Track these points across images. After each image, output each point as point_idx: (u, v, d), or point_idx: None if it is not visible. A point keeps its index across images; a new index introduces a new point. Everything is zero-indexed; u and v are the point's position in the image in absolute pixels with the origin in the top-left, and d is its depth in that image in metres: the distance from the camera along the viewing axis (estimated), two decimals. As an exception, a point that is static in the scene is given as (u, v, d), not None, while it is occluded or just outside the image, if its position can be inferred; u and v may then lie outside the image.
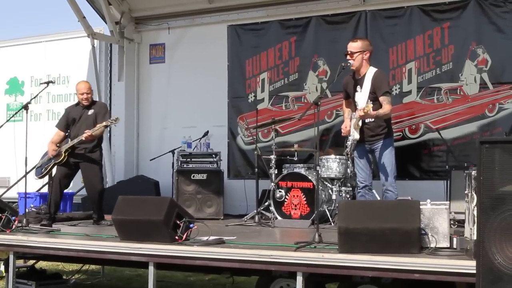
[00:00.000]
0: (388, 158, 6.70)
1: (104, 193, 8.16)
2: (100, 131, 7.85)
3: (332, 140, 9.42)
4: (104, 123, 7.77)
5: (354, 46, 6.77)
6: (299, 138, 9.70)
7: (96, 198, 8.02)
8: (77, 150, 7.90)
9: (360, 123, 6.62)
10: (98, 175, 8.05)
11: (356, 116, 6.59)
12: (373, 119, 6.65)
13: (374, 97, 6.62)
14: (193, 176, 9.19)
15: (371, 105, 6.41)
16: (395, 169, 6.74)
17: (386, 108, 6.60)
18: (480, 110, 8.73)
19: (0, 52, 12.42)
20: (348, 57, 6.73)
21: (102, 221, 7.97)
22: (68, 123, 8.09)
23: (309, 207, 7.82)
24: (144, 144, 11.17)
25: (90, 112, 8.00)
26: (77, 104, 8.17)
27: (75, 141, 7.80)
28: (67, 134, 8.09)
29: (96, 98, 10.44)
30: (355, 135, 6.62)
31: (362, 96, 6.72)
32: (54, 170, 8.06)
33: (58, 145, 8.00)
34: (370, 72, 6.76)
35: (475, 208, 4.58)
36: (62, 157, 7.85)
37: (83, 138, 7.70)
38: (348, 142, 6.77)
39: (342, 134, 6.97)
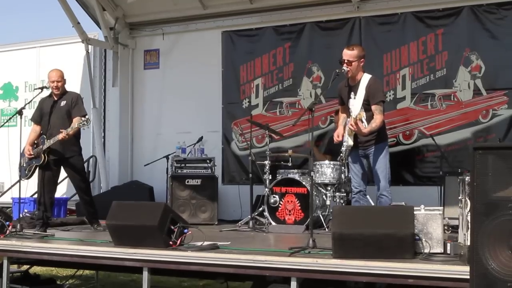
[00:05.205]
0: (382, 163, 6.66)
1: (89, 188, 8.11)
2: (76, 129, 7.60)
3: (326, 146, 9.42)
4: (76, 126, 7.51)
5: (351, 54, 6.65)
6: (293, 144, 9.71)
7: (83, 195, 7.97)
8: (54, 146, 7.67)
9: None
10: (80, 172, 7.94)
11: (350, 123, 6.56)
12: (365, 124, 6.60)
13: (367, 105, 6.59)
14: (188, 182, 9.18)
15: (363, 113, 6.39)
16: (389, 174, 6.69)
17: (377, 119, 6.53)
18: (474, 116, 8.76)
19: (-6, 57, 12.40)
20: (345, 65, 6.64)
21: (95, 224, 7.92)
22: (42, 115, 7.92)
23: (303, 212, 7.83)
24: (138, 150, 11.17)
25: (62, 103, 7.82)
26: (50, 95, 7.97)
27: (51, 141, 7.60)
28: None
29: (90, 104, 10.49)
30: (349, 141, 6.58)
31: (356, 103, 6.64)
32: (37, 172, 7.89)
33: (36, 142, 7.83)
34: (364, 79, 6.69)
35: (469, 214, 4.60)
36: (43, 159, 7.68)
37: (60, 138, 7.50)
38: (342, 148, 6.75)
39: (334, 142, 6.96)
